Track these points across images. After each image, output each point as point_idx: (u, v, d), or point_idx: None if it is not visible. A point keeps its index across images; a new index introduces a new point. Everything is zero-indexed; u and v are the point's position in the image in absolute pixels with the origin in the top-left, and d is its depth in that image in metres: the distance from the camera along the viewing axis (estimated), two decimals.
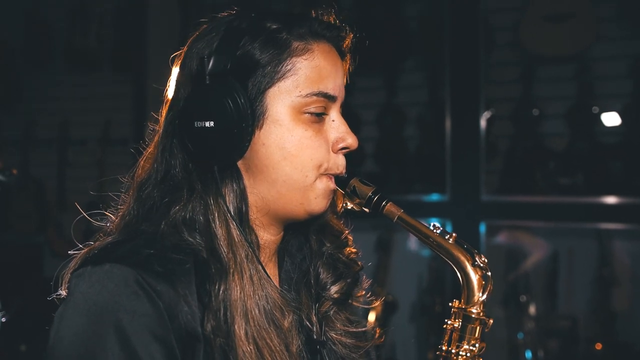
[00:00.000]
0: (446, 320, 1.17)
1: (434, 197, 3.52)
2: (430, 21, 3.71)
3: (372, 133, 3.76)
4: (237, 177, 1.11)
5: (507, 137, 3.55)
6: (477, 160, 3.32)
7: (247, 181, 1.12)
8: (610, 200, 3.17)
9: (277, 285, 1.18)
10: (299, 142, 1.09)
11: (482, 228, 3.36)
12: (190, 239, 1.06)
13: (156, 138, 1.17)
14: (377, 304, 1.31)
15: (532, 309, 3.26)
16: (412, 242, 3.68)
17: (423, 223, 1.16)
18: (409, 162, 3.75)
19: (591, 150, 3.38)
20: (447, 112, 3.40)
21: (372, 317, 3.22)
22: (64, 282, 1.07)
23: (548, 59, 3.45)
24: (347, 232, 1.26)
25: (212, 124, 1.05)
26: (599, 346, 3.13)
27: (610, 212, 3.22)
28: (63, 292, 1.06)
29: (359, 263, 1.26)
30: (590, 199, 3.25)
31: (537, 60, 3.48)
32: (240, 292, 1.04)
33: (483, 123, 3.35)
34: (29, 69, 4.63)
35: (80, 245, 1.12)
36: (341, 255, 1.24)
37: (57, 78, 4.57)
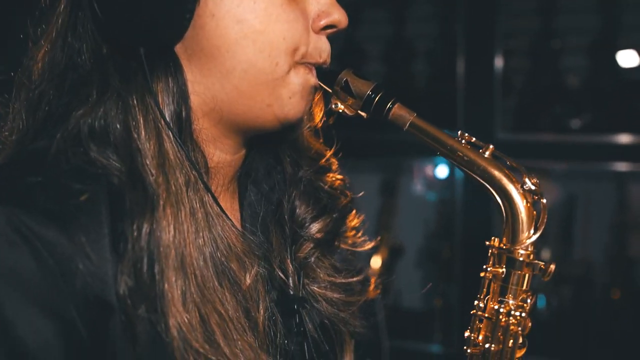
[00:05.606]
0: (485, 267, 0.89)
1: None
2: None
3: (379, 69, 3.53)
4: (175, 67, 0.79)
5: (523, 72, 3.34)
6: (491, 97, 3.11)
7: (188, 74, 0.80)
8: (628, 139, 2.98)
9: (237, 225, 0.88)
10: (265, 11, 0.78)
11: None
12: (101, 158, 0.74)
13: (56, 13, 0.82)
14: (370, 245, 1.01)
15: (545, 254, 3.12)
16: (420, 185, 3.52)
17: (445, 132, 0.87)
18: (419, 99, 3.53)
19: (613, 87, 3.17)
20: (460, 46, 3.18)
21: (377, 262, 3.08)
22: None
23: None
24: (329, 153, 0.97)
25: None
26: (616, 294, 3.01)
27: (628, 152, 3.04)
28: None
29: (348, 193, 0.98)
30: (609, 138, 3.06)
31: None
32: (176, 235, 0.73)
33: (498, 58, 3.13)
34: None
35: None
36: (322, 184, 0.94)
37: None
